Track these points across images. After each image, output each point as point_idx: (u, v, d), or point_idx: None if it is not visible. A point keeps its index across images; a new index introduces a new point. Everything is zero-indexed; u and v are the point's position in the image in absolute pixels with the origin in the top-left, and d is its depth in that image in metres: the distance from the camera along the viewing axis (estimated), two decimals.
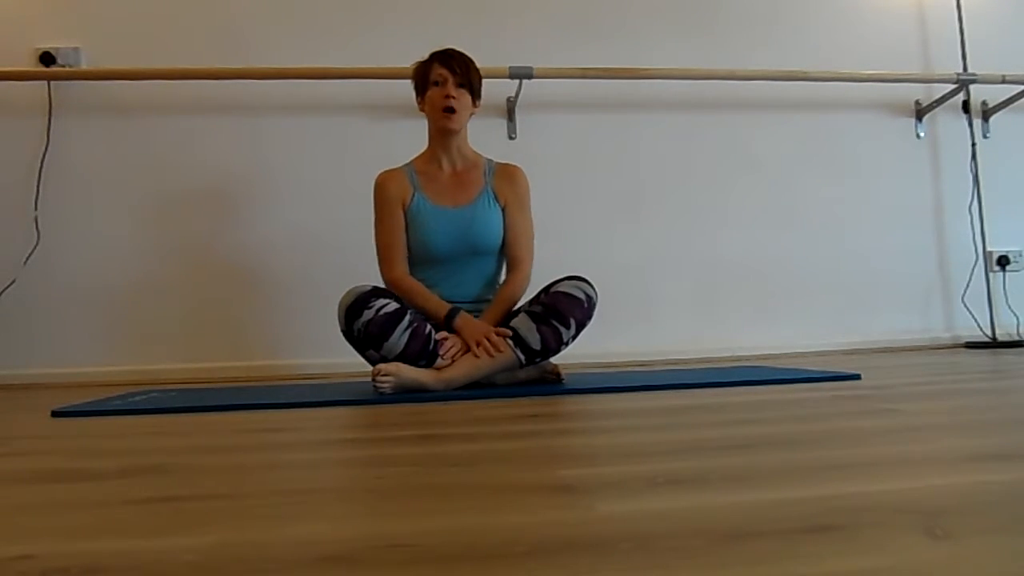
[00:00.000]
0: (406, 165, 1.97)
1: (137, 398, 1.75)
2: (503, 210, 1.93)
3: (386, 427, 1.18)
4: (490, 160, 1.99)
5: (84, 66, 2.58)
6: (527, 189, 1.97)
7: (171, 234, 2.60)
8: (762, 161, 2.93)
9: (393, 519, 0.60)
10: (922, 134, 3.06)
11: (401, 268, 1.88)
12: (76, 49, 2.58)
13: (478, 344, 1.71)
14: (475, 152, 1.98)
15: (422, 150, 1.98)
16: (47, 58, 2.55)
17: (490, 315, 1.81)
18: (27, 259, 2.50)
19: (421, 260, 1.91)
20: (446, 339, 1.72)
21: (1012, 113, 3.04)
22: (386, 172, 1.95)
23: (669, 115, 2.89)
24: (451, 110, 1.83)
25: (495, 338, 1.71)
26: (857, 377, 1.71)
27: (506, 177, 1.96)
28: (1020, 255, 3.03)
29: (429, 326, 1.71)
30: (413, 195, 1.90)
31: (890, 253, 2.97)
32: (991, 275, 2.98)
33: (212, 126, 2.65)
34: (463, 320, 1.76)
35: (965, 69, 2.96)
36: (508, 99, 2.74)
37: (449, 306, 1.80)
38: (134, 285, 2.57)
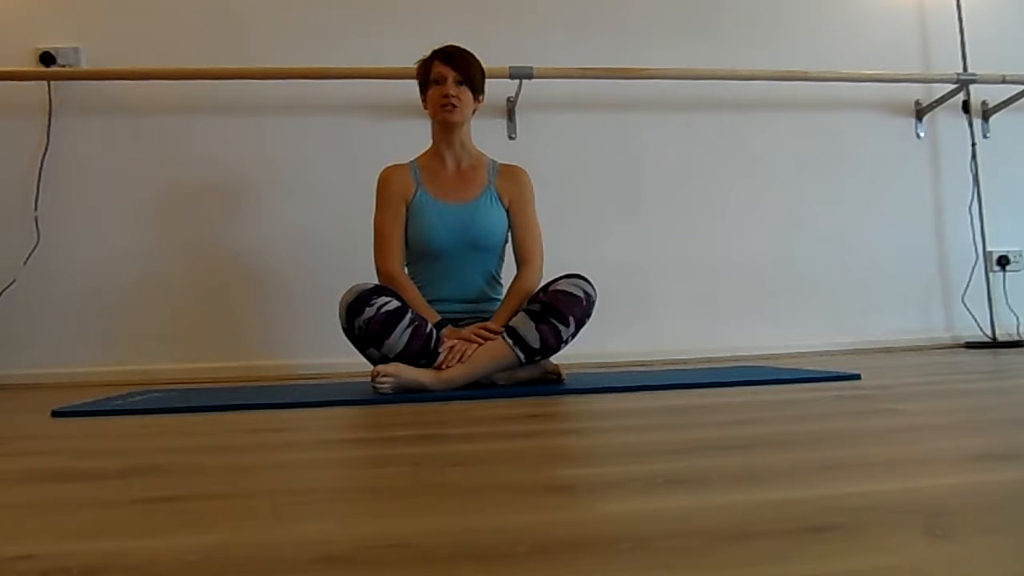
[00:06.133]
0: (410, 162, 1.98)
1: (137, 398, 1.75)
2: (508, 211, 1.94)
3: (386, 427, 1.18)
4: (494, 160, 2.01)
5: (84, 66, 2.58)
6: (531, 189, 1.98)
7: (171, 234, 2.60)
8: (762, 161, 2.93)
9: (393, 519, 0.60)
10: (922, 134, 3.06)
11: (397, 263, 1.89)
12: (76, 49, 2.58)
13: (469, 343, 1.72)
14: (479, 151, 2.00)
15: (425, 149, 1.99)
16: (47, 58, 2.55)
17: (504, 310, 1.82)
18: (27, 259, 2.50)
19: (422, 255, 1.91)
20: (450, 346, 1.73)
21: (1012, 113, 3.04)
22: (390, 167, 1.96)
23: (669, 115, 2.89)
24: (450, 107, 1.84)
25: (479, 334, 1.73)
26: (857, 377, 1.71)
27: (510, 177, 1.97)
28: (1020, 255, 3.03)
29: (430, 325, 1.71)
30: (416, 190, 1.91)
31: (890, 253, 2.97)
32: (991, 275, 2.98)
33: (212, 126, 2.65)
34: (450, 332, 1.78)
35: (965, 69, 2.96)
36: (508, 99, 2.74)
37: (438, 317, 1.81)
38: (134, 285, 2.57)
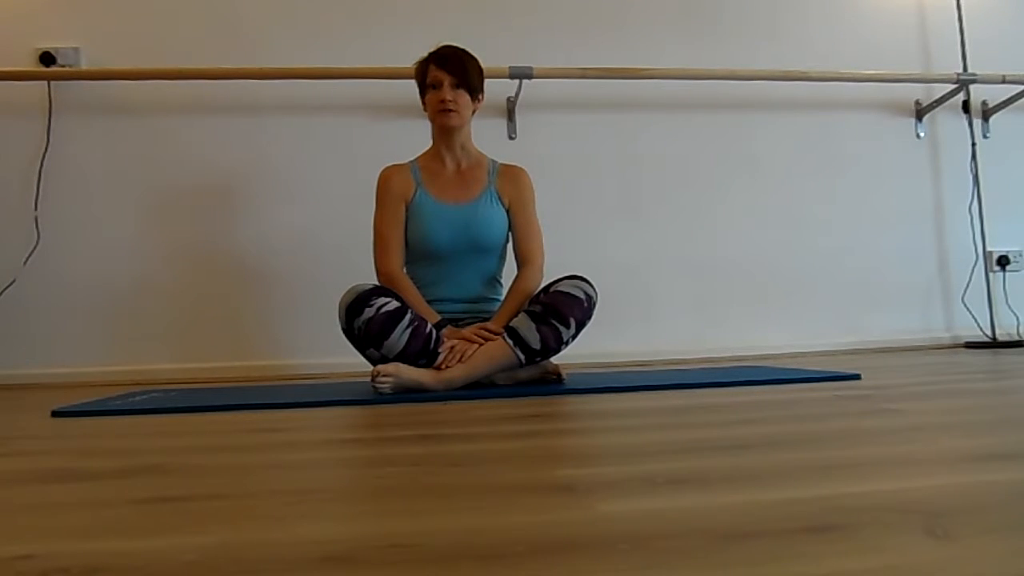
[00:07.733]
0: (411, 161, 1.98)
1: (137, 398, 1.75)
2: (508, 211, 1.94)
3: (386, 427, 1.18)
4: (494, 160, 2.01)
5: (84, 66, 2.58)
6: (531, 189, 1.98)
7: (171, 234, 2.60)
8: (762, 161, 2.93)
9: (393, 519, 0.60)
10: (922, 134, 3.06)
11: (396, 263, 1.89)
12: (76, 49, 2.58)
13: (470, 344, 1.72)
14: (479, 151, 1.99)
15: (425, 149, 1.99)
16: (47, 58, 2.55)
17: (504, 311, 1.81)
18: (27, 259, 2.50)
19: (422, 256, 1.91)
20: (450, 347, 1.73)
21: (1012, 113, 3.04)
22: (391, 167, 1.96)
23: (669, 115, 2.89)
24: (447, 111, 1.84)
25: (479, 334, 1.73)
26: (857, 377, 1.71)
27: (510, 178, 1.97)
28: (1020, 255, 3.03)
29: (430, 325, 1.71)
30: (416, 191, 1.91)
31: (890, 253, 2.97)
32: (991, 275, 2.98)
33: (212, 126, 2.65)
34: (450, 332, 1.78)
35: (965, 69, 2.96)
36: (508, 99, 2.74)
37: (438, 317, 1.81)
38: (134, 285, 2.57)
